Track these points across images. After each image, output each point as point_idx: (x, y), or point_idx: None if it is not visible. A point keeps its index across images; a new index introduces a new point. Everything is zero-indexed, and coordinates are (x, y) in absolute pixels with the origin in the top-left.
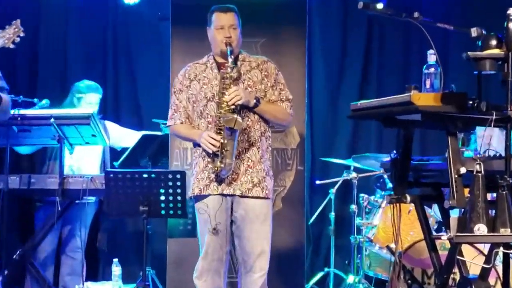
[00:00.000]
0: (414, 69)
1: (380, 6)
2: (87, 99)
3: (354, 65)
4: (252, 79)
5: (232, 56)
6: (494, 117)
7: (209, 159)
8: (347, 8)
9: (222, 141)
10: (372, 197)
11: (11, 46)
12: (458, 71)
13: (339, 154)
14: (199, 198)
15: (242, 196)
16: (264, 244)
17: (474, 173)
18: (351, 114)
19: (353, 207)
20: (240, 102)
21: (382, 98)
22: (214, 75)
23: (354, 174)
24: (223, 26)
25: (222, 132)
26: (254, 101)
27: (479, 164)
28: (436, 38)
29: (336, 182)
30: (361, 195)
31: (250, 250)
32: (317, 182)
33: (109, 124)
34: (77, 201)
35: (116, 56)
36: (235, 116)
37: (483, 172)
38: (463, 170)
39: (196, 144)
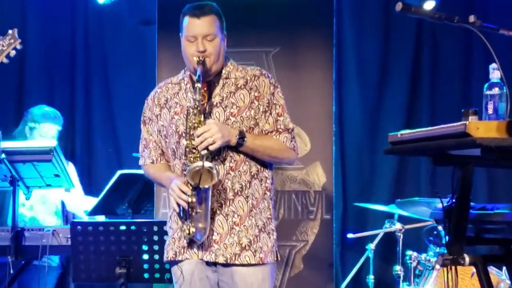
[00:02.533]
0: (476, 89)
1: (429, 5)
2: (41, 130)
3: (398, 82)
4: (237, 103)
5: (199, 84)
6: None
7: (180, 220)
8: (389, 8)
9: (190, 199)
10: (423, 256)
11: (5, 60)
12: None
13: (379, 198)
14: (174, 262)
15: (227, 265)
16: None
17: None
18: (390, 148)
19: (398, 268)
20: (214, 147)
21: (430, 128)
22: (188, 100)
23: (398, 225)
24: (195, 36)
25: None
26: (237, 138)
27: None
28: (504, 50)
29: (376, 235)
30: (408, 252)
31: None
32: (350, 235)
33: (72, 170)
34: (35, 262)
35: (88, 72)
36: (202, 165)
37: None
38: None
39: None
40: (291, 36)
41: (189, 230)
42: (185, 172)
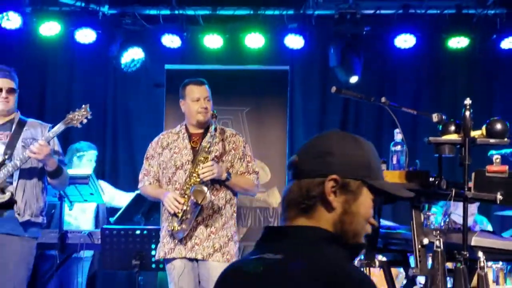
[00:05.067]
0: (387, 145)
1: (354, 79)
2: (88, 156)
3: None
4: (219, 150)
5: (215, 132)
6: (453, 193)
7: (170, 219)
8: (327, 83)
9: (184, 207)
10: None
11: (78, 125)
12: (427, 148)
13: None
14: (167, 260)
15: (203, 261)
16: None
17: (434, 248)
18: None
19: None
20: (210, 177)
21: None
22: (184, 145)
23: None
24: (199, 98)
25: (186, 197)
26: (226, 175)
27: (439, 240)
28: (407, 119)
29: None
30: None
31: None
32: None
33: (103, 184)
34: (74, 255)
35: (115, 119)
36: (205, 190)
37: (442, 247)
38: (425, 241)
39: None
40: (258, 99)
41: (174, 227)
42: (190, 190)
